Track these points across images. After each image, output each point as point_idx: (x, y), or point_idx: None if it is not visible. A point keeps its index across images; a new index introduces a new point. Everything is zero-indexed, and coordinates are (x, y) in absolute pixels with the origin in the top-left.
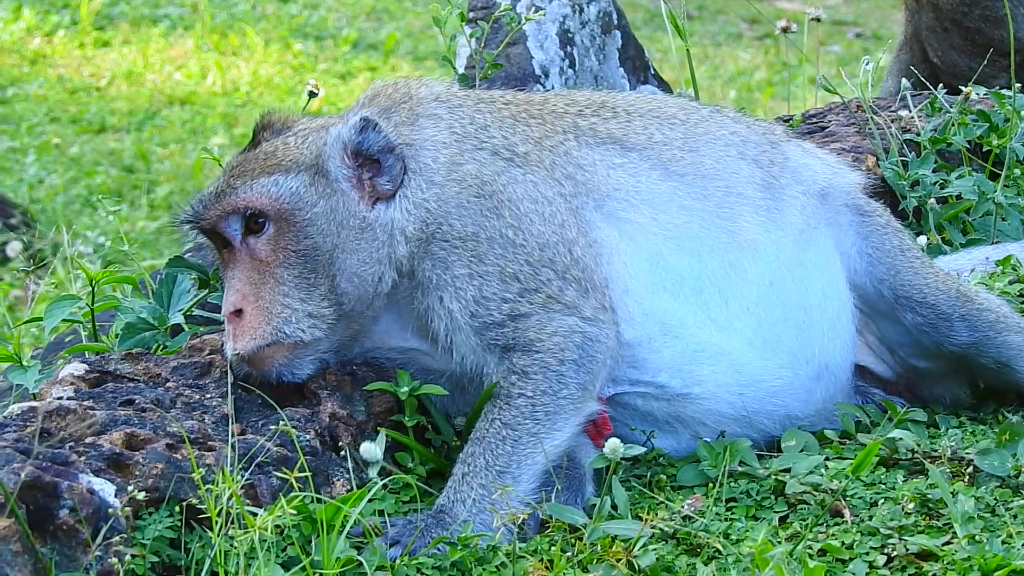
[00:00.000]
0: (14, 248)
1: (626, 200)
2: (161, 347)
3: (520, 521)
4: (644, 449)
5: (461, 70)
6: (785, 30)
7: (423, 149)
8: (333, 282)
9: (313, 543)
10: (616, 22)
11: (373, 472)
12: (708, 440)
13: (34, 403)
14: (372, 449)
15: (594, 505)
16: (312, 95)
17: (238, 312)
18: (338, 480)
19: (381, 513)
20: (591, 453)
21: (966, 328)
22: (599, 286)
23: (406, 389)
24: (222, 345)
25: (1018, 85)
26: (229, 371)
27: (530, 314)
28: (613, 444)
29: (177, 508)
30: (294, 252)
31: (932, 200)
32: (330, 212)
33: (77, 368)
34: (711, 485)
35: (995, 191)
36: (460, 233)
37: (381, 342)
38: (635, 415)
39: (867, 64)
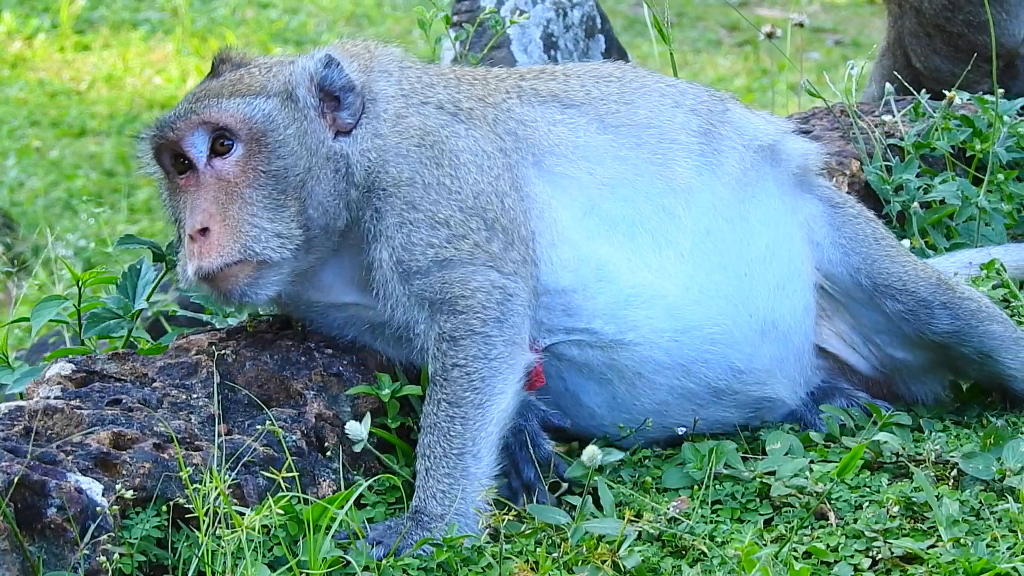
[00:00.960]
0: None
1: (564, 156)
2: (128, 335)
3: (503, 521)
4: (622, 455)
5: None
6: (770, 35)
7: (375, 102)
8: (302, 205)
9: (300, 543)
10: (600, 26)
11: (358, 448)
12: (648, 399)
13: (21, 403)
14: (357, 428)
15: (575, 505)
16: None
17: (203, 231)
18: (324, 481)
19: (371, 520)
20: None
21: (948, 316)
22: (524, 239)
23: (387, 391)
24: (183, 271)
25: (1001, 91)
26: (215, 370)
27: (455, 262)
28: (591, 452)
29: (164, 508)
30: (264, 173)
31: (916, 204)
32: (302, 136)
33: (64, 368)
34: (696, 487)
35: (978, 196)
36: (396, 179)
37: (325, 295)
38: (571, 366)
39: (852, 68)
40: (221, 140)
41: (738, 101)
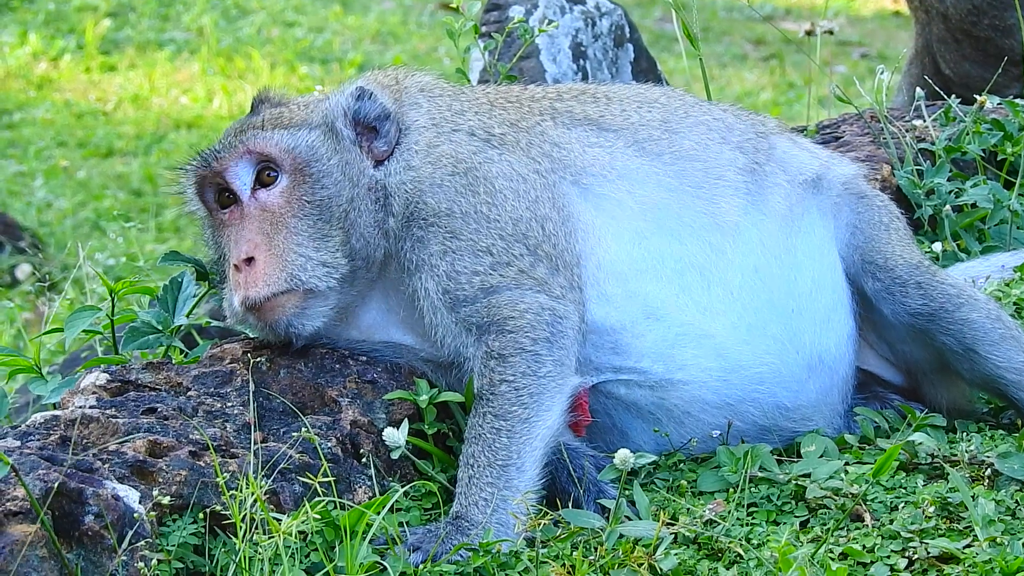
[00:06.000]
0: (23, 271)
1: (602, 175)
2: (167, 349)
3: (539, 527)
4: (654, 457)
5: (475, 84)
6: (809, 33)
7: (407, 133)
8: (346, 235)
9: (336, 549)
10: (628, 35)
11: (395, 455)
12: (696, 436)
13: (57, 412)
14: (395, 435)
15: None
16: None
17: (248, 261)
18: (360, 487)
19: (408, 524)
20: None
21: (920, 295)
22: (569, 264)
23: (425, 397)
24: (230, 303)
25: None
26: (250, 378)
27: (502, 288)
28: (623, 455)
29: (201, 514)
30: (309, 203)
31: (948, 208)
32: (345, 166)
33: (99, 377)
34: (732, 490)
35: (1010, 199)
36: (435, 210)
37: (368, 334)
38: (618, 405)
39: (882, 73)
40: (266, 171)
41: (783, 130)
